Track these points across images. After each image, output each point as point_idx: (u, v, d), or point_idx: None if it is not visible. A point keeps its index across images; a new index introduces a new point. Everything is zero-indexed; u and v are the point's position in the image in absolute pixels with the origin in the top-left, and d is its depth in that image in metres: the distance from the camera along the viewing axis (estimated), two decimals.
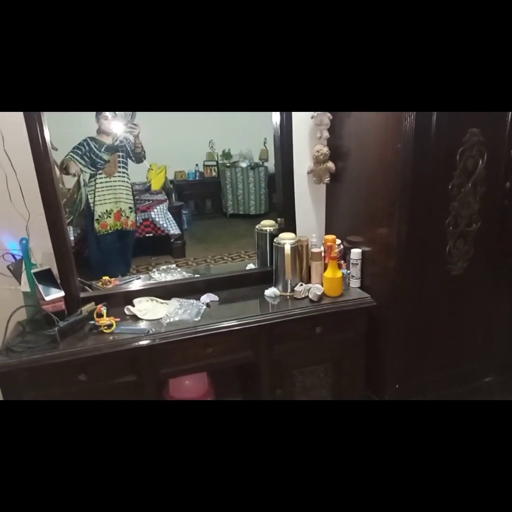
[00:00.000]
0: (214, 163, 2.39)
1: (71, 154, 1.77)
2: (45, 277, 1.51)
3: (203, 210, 2.48)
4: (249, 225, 2.40)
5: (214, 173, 2.42)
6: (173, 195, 2.32)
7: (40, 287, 1.48)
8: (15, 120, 1.41)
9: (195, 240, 2.35)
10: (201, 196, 2.46)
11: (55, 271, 1.56)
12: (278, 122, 1.72)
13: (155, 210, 2.19)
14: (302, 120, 1.78)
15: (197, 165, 2.37)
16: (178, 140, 2.13)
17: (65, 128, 1.73)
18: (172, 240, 2.22)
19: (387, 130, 1.51)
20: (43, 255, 1.59)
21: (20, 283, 1.52)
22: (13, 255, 1.55)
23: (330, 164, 1.81)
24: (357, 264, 1.71)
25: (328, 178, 1.84)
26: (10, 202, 1.51)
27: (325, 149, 1.79)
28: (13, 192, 1.51)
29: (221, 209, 2.49)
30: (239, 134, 2.29)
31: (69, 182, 1.83)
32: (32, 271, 1.50)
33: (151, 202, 2.21)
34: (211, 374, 1.87)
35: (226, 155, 2.40)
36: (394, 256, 1.56)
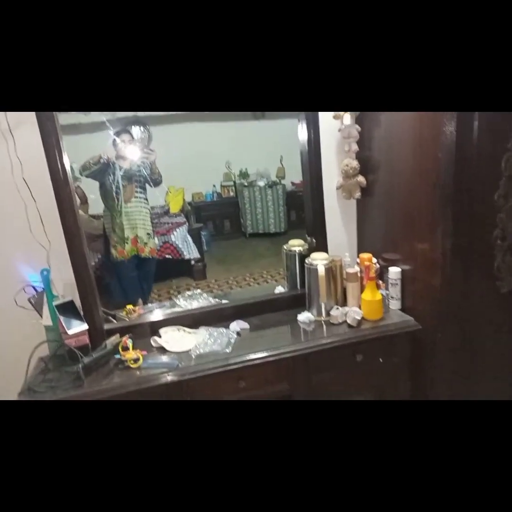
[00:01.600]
0: (232, 183, 2.39)
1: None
2: (67, 309, 1.44)
3: (222, 230, 2.46)
4: (269, 244, 2.35)
5: (231, 193, 2.42)
6: (192, 217, 2.29)
7: (63, 320, 1.41)
8: (33, 147, 1.36)
9: (215, 261, 2.31)
10: (219, 216, 2.44)
11: (77, 302, 1.48)
12: (306, 138, 1.64)
13: (174, 233, 2.16)
14: (329, 134, 1.69)
15: (214, 186, 2.37)
16: (194, 162, 2.11)
17: (84, 154, 1.70)
18: (192, 263, 2.18)
19: (423, 138, 1.41)
20: (65, 286, 1.52)
21: (41, 317, 1.46)
22: (34, 287, 1.48)
23: (361, 178, 1.72)
24: (397, 284, 1.59)
25: (359, 193, 1.75)
26: (30, 232, 1.45)
27: (355, 163, 1.70)
28: (32, 221, 1.45)
29: (240, 229, 2.47)
30: (255, 153, 2.28)
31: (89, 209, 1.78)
32: (54, 303, 1.43)
33: (170, 225, 2.18)
34: None
35: (243, 174, 2.40)
36: (439, 274, 1.44)
